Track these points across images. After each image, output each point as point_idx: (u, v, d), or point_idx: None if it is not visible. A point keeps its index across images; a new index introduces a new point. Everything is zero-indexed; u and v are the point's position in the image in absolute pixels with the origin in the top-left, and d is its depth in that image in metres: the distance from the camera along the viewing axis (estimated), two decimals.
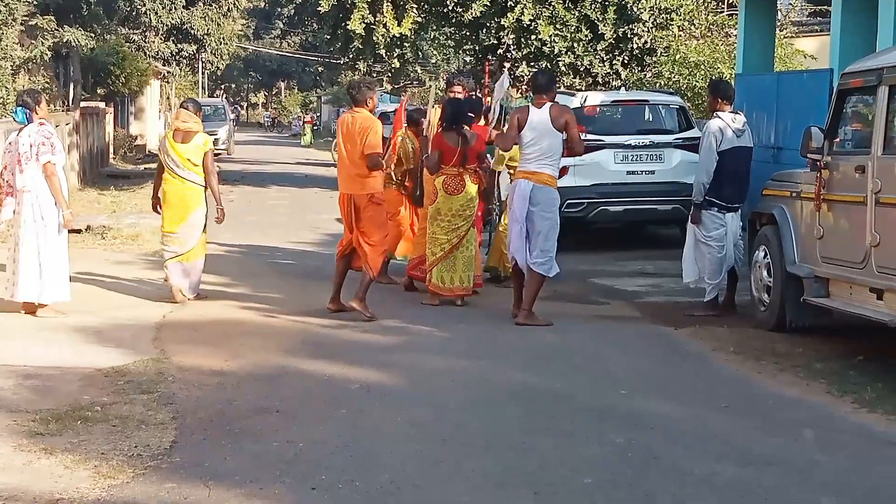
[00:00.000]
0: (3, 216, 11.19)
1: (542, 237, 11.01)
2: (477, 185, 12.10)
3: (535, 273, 11.03)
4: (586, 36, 24.10)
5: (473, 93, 14.66)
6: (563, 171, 13.83)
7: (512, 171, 12.88)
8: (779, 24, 22.29)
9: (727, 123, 11.34)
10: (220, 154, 44.13)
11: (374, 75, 35.24)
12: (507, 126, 11.81)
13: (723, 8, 27.08)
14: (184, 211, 11.99)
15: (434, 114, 12.87)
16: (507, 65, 26.38)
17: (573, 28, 24.11)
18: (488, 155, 13.16)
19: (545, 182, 11.00)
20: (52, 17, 30.47)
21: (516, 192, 11.13)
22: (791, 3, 27.84)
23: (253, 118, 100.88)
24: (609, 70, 24.43)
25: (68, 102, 33.04)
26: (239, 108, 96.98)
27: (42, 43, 29.16)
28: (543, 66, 24.35)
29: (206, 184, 12.03)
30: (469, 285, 12.05)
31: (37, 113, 11.02)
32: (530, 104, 11.29)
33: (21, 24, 26.90)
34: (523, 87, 26.55)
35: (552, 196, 11.08)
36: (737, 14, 19.27)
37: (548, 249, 11.04)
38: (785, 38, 25.12)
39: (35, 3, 28.79)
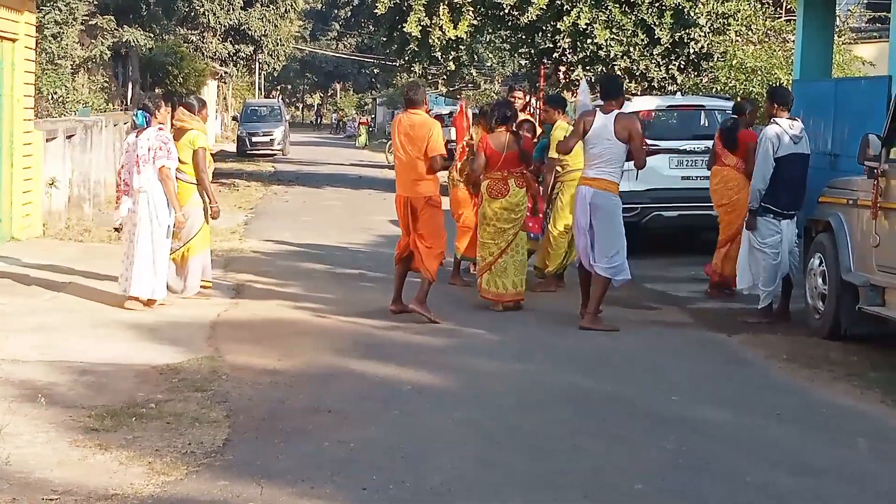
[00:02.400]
0: (120, 213, 11.67)
1: (606, 242, 11.07)
2: (524, 189, 12.01)
3: (600, 277, 11.08)
4: (642, 40, 24.01)
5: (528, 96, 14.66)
6: None
7: (560, 170, 12.97)
8: (837, 30, 22.05)
9: (784, 130, 11.28)
10: (275, 154, 44.43)
11: (430, 78, 35.31)
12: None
13: (780, 13, 26.88)
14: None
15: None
16: (563, 68, 26.36)
17: (629, 32, 24.02)
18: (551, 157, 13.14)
19: (604, 188, 11.03)
20: (112, 17, 30.70)
21: (578, 198, 11.23)
22: (850, 10, 27.56)
23: (308, 119, 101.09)
24: (665, 75, 24.33)
25: (126, 102, 33.31)
26: (321, 115, 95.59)
27: (102, 42, 29.41)
28: (599, 70, 24.31)
29: (197, 181, 12.05)
30: (522, 290, 12.01)
31: (156, 117, 11.53)
32: (598, 109, 11.32)
33: (81, 23, 27.14)
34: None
35: (612, 201, 11.09)
36: (794, 20, 19.12)
37: (613, 255, 11.08)
38: (843, 44, 24.88)
39: (95, 3, 29.05)
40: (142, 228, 11.33)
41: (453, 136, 19.46)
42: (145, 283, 11.32)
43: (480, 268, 12.03)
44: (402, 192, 11.35)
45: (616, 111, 11.09)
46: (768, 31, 25.36)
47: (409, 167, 11.21)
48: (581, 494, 6.31)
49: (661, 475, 6.67)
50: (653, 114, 16.74)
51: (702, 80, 24.58)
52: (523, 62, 31.50)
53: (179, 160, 12.00)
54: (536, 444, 7.26)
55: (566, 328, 11.10)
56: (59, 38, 25.15)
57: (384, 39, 29.89)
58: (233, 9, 48.14)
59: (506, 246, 11.83)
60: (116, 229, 16.87)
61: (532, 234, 13.21)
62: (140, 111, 11.58)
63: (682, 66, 24.49)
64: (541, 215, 13.34)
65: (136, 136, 11.50)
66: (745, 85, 22.33)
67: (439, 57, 27.22)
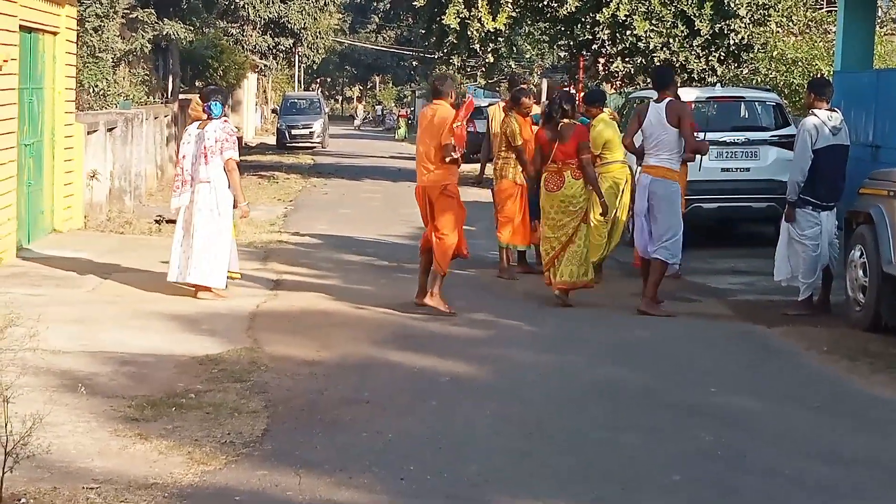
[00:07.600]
0: (179, 202, 11.75)
1: (662, 226, 11.32)
2: (580, 180, 11.66)
3: (657, 261, 11.30)
4: (682, 31, 23.92)
5: (567, 88, 14.68)
6: None
7: (597, 161, 12.99)
8: (879, 20, 21.94)
9: (823, 121, 11.21)
10: (314, 147, 44.50)
11: (469, 70, 35.26)
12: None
13: (822, 4, 26.75)
14: None
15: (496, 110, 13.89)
16: (602, 60, 26.28)
17: (669, 23, 23.94)
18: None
19: (663, 175, 11.32)
20: (153, 11, 30.79)
21: (638, 186, 11.64)
22: (891, 0, 27.38)
23: (348, 111, 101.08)
24: (705, 66, 24.23)
25: (167, 95, 33.43)
26: (394, 113, 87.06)
27: (142, 36, 29.50)
28: (638, 61, 24.24)
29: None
30: (577, 280, 11.70)
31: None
32: (651, 101, 11.49)
33: (122, 17, 27.27)
34: (617, 82, 26.48)
35: (671, 188, 11.37)
36: (836, 10, 19.01)
37: (668, 238, 11.32)
38: (885, 35, 24.73)
39: None
40: (203, 218, 11.49)
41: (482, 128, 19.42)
42: (203, 272, 11.48)
43: (545, 263, 11.88)
44: (420, 182, 11.37)
45: (668, 99, 11.34)
46: (809, 22, 25.24)
47: (426, 157, 11.21)
48: (618, 486, 6.31)
49: (698, 467, 6.66)
50: (692, 105, 16.66)
51: (742, 71, 24.47)
52: (562, 54, 31.45)
53: None
54: (573, 436, 7.27)
55: (604, 320, 11.10)
56: (100, 32, 25.27)
57: (423, 32, 29.88)
58: (272, 2, 48.25)
59: (566, 240, 11.68)
60: (157, 221, 17.10)
61: None
62: (216, 102, 11.67)
63: (722, 58, 24.39)
64: None
65: (199, 128, 11.66)
66: (786, 76, 22.24)
67: (478, 49, 27.17)
